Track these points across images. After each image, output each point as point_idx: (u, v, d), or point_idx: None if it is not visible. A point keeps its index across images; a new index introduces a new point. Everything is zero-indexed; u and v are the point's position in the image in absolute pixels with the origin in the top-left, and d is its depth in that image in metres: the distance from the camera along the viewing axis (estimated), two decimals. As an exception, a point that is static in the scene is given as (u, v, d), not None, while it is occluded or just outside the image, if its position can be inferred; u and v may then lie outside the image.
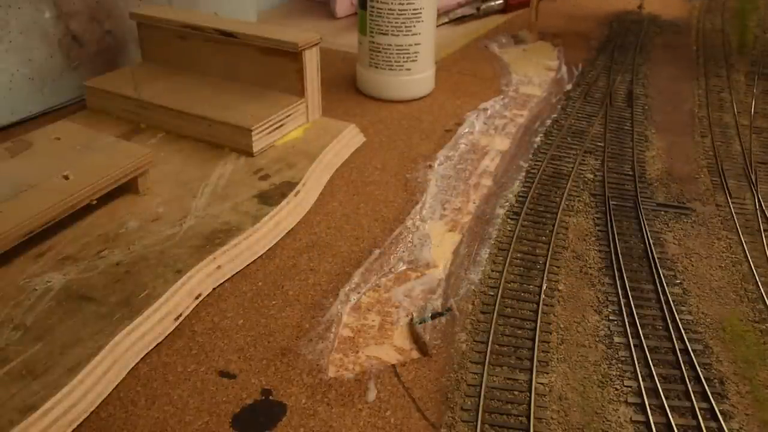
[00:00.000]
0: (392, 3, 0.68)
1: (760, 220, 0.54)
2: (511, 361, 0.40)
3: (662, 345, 0.41)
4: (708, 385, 0.38)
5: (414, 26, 0.69)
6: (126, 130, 0.61)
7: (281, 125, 0.60)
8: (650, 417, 0.36)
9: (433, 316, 0.42)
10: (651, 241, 0.50)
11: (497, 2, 1.04)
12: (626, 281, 0.46)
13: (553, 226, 0.52)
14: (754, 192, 0.57)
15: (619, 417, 0.36)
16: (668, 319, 0.43)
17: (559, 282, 0.46)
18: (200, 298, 0.43)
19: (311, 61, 0.61)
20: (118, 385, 0.37)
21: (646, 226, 0.52)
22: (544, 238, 0.51)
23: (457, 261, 0.48)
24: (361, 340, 0.41)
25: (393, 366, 0.39)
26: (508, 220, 0.53)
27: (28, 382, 0.35)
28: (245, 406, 0.36)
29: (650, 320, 0.43)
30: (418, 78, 0.73)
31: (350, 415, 0.36)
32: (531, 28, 0.93)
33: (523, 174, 0.59)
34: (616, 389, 0.38)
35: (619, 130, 0.68)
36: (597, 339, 0.42)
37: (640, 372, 0.39)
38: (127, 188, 0.51)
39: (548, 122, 0.70)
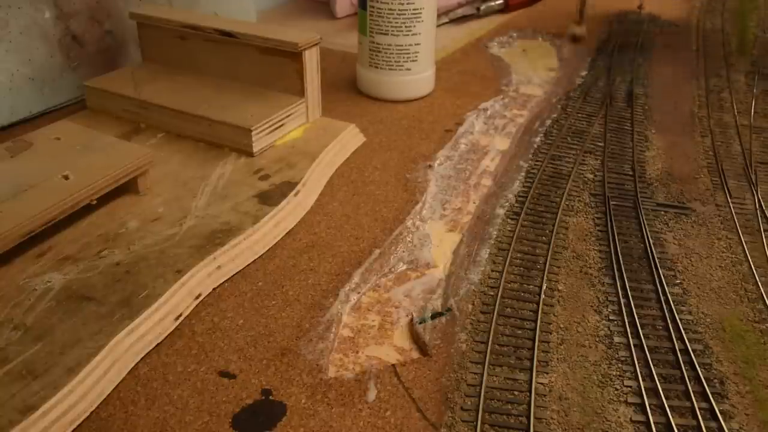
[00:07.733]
0: (392, 3, 0.68)
1: (760, 220, 0.54)
2: (511, 361, 0.40)
3: (662, 345, 0.41)
4: (708, 385, 0.38)
5: (414, 26, 0.69)
6: (126, 130, 0.61)
7: (281, 125, 0.60)
8: (650, 417, 0.36)
9: (433, 316, 0.42)
10: (651, 241, 0.50)
11: (497, 2, 1.04)
12: (626, 281, 0.46)
13: (553, 226, 0.52)
14: (754, 192, 0.57)
15: (619, 417, 0.36)
16: (668, 319, 0.43)
17: (559, 282, 0.46)
18: (200, 298, 0.43)
19: (311, 61, 0.61)
20: (118, 385, 0.37)
21: (646, 226, 0.52)
22: (544, 238, 0.51)
23: (457, 261, 0.48)
24: (361, 340, 0.41)
25: (393, 366, 0.39)
26: (508, 220, 0.53)
27: (28, 382, 0.35)
28: (245, 406, 0.36)
29: (650, 320, 0.43)
30: (418, 78, 0.73)
31: (350, 415, 0.36)
32: (579, 22, 0.93)
33: (523, 174, 0.59)
34: (616, 389, 0.38)
35: (619, 130, 0.68)
36: (597, 339, 0.42)
37: (640, 372, 0.39)
38: (127, 188, 0.51)
39: (548, 122, 0.70)
